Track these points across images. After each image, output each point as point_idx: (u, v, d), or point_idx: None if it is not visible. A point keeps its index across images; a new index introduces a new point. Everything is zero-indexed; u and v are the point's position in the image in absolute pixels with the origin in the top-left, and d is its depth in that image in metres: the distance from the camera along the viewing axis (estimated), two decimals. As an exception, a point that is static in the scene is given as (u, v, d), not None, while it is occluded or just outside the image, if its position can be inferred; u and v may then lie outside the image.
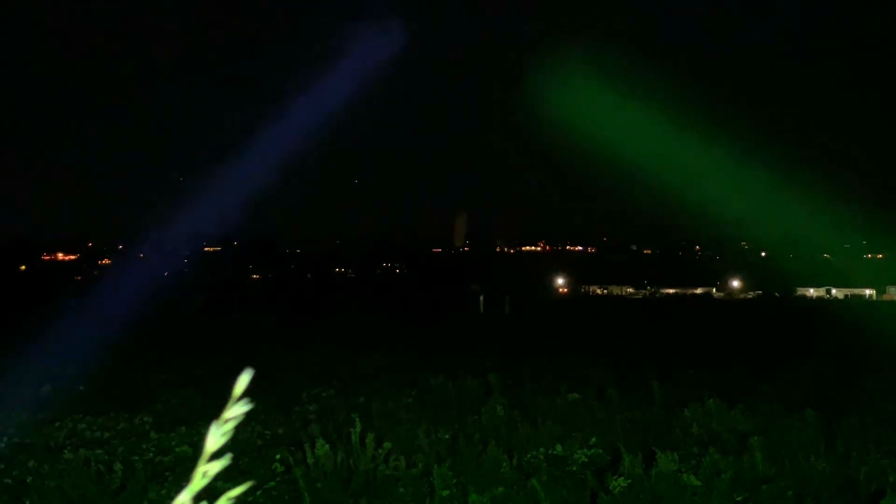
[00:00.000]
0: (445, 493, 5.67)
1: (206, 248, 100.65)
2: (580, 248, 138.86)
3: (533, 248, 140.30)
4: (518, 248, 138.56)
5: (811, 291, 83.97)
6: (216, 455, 1.08)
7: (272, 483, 6.08)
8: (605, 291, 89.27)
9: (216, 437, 1.08)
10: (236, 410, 1.09)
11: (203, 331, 22.72)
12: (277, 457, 6.74)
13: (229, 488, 1.09)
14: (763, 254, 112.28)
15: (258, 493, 5.89)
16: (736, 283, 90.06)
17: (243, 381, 1.10)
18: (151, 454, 7.11)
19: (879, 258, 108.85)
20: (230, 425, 1.09)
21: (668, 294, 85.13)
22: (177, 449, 7.19)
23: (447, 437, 7.47)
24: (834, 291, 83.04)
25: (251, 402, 1.10)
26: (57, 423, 8.58)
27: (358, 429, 6.51)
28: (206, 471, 1.07)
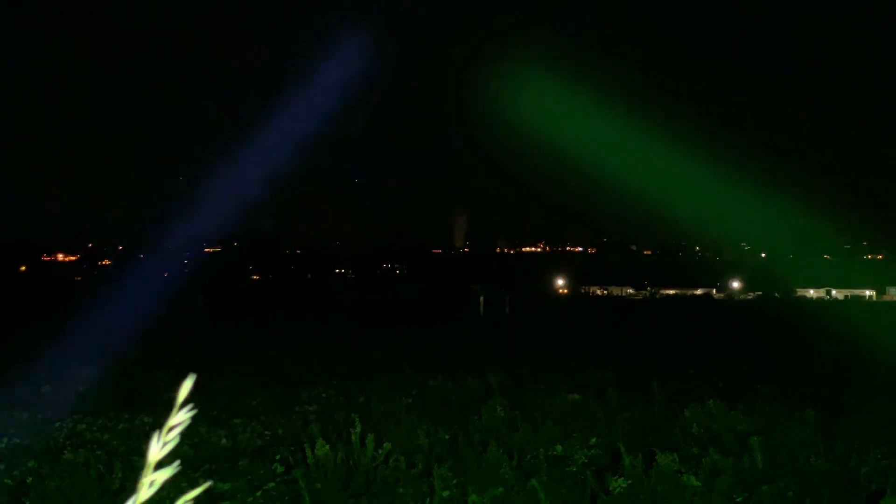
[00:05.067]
0: (445, 493, 5.67)
1: (206, 249, 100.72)
2: (580, 248, 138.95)
3: (533, 248, 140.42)
4: (518, 249, 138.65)
5: (811, 292, 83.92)
6: (162, 463, 1.03)
7: (272, 483, 6.07)
8: (605, 292, 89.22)
9: (159, 446, 1.03)
10: (180, 417, 1.03)
11: (203, 332, 22.70)
12: (277, 457, 6.74)
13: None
14: (763, 255, 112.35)
15: (258, 493, 5.88)
16: (736, 284, 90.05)
17: (185, 387, 1.04)
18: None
19: (879, 259, 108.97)
20: (174, 433, 1.03)
21: (668, 295, 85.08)
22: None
23: (447, 437, 7.47)
24: (834, 292, 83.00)
25: (195, 408, 1.04)
26: (57, 423, 8.57)
27: (358, 429, 6.50)
28: (153, 480, 1.02)
